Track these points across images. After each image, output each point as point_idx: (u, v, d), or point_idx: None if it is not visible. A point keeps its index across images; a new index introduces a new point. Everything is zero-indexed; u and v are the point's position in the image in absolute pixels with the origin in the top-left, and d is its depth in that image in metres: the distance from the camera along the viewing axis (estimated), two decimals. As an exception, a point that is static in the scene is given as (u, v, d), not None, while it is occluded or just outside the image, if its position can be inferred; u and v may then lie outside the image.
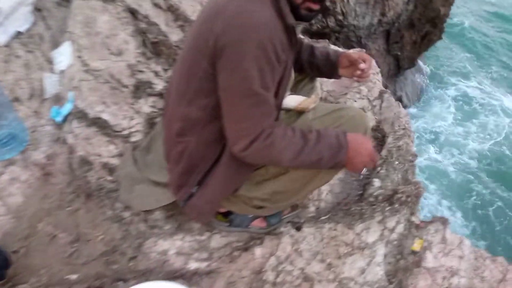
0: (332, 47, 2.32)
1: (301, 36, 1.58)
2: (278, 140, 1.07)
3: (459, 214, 5.76)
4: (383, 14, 6.46)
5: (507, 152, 6.59)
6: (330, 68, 1.47)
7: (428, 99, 8.14)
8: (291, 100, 1.32)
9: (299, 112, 1.33)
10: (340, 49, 1.49)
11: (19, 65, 1.98)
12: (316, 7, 1.08)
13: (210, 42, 1.02)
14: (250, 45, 0.97)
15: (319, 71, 1.49)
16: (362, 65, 1.41)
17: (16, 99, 1.85)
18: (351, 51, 2.34)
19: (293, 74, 1.31)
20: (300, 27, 1.18)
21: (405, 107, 7.87)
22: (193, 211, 1.35)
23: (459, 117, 7.61)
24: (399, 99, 7.68)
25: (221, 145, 1.20)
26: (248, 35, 0.98)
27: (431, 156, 6.68)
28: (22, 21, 2.10)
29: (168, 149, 1.34)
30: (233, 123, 1.09)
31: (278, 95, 1.14)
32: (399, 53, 7.45)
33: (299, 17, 1.09)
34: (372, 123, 1.93)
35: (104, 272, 1.34)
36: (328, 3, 5.16)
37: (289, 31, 1.09)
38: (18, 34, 2.06)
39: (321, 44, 1.49)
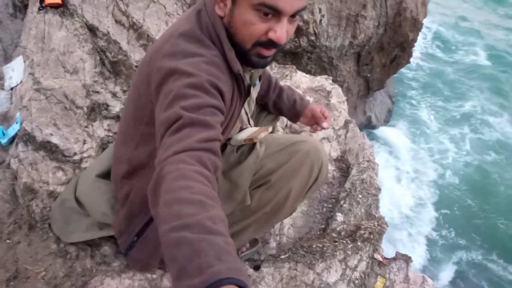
0: (299, 74, 2.29)
1: (268, 69, 1.51)
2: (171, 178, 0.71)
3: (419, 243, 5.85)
4: (354, 36, 6.59)
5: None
6: (292, 114, 1.43)
7: (396, 119, 8.37)
8: (242, 134, 1.23)
9: (250, 149, 1.24)
10: (306, 100, 1.45)
11: (-35, 80, 1.85)
12: (268, 53, 0.93)
13: (150, 86, 0.92)
14: (184, 76, 0.83)
15: (281, 113, 1.46)
16: (325, 125, 1.36)
17: (-42, 117, 1.71)
18: (318, 80, 2.32)
19: (249, 110, 1.24)
20: (251, 72, 1.07)
21: (374, 127, 8.04)
22: (135, 263, 1.26)
23: (422, 138, 7.88)
24: (369, 119, 7.82)
25: None
26: (182, 69, 0.84)
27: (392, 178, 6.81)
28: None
29: (115, 188, 1.25)
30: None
31: (224, 133, 1.04)
32: (369, 75, 7.61)
33: (249, 64, 0.96)
34: (336, 153, 1.90)
35: (41, 316, 1.22)
36: (300, 23, 5.20)
37: (237, 78, 0.97)
38: (-34, 46, 1.93)
39: (289, 89, 1.44)
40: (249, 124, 1.25)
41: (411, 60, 7.43)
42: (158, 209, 0.67)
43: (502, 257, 5.54)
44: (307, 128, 1.97)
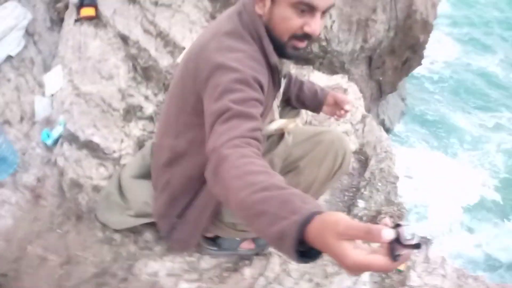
0: (316, 73, 2.41)
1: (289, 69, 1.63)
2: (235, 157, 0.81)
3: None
4: (365, 40, 6.67)
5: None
6: (315, 104, 1.50)
7: (408, 122, 8.39)
8: (273, 125, 1.35)
9: (279, 139, 1.36)
10: (326, 89, 1.56)
11: (10, 88, 2.01)
12: (302, 45, 1.05)
13: (196, 80, 1.04)
14: (230, 71, 0.95)
15: (304, 106, 1.54)
16: (347, 107, 1.45)
17: (7, 122, 1.87)
18: (334, 80, 2.44)
19: (276, 105, 1.36)
20: (286, 64, 1.19)
21: (387, 130, 8.07)
22: (176, 243, 1.38)
23: (435, 142, 7.87)
24: (382, 122, 7.86)
25: (201, 180, 1.21)
26: (229, 65, 0.96)
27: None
28: (13, 45, 2.13)
29: (155, 177, 1.38)
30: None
31: None
32: (381, 78, 7.68)
33: (285, 55, 1.09)
34: (355, 146, 2.01)
35: (94, 294, 1.35)
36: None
37: (273, 70, 1.09)
38: (9, 57, 2.09)
39: (309, 82, 1.55)
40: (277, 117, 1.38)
41: (423, 62, 7.47)
42: (223, 184, 0.78)
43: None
44: (326, 123, 2.09)
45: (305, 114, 2.06)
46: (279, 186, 0.71)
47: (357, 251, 0.56)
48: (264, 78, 1.02)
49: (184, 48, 2.24)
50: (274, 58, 1.06)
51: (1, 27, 2.10)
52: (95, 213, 1.55)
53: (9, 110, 1.90)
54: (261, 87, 0.99)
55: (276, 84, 1.14)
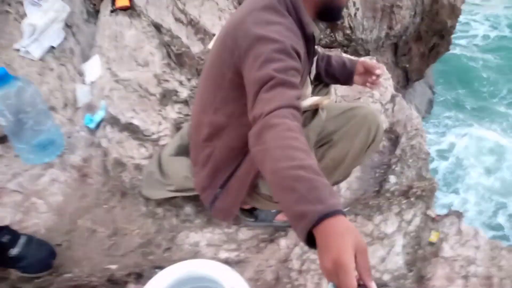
0: (344, 55, 2.44)
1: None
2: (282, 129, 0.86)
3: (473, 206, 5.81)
4: (390, 27, 6.60)
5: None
6: (346, 76, 1.54)
7: (437, 110, 8.21)
8: (307, 101, 1.41)
9: (313, 114, 1.41)
10: (354, 57, 1.59)
11: (53, 77, 2.13)
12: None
13: (235, 53, 1.08)
14: (271, 42, 1.00)
15: (335, 79, 1.57)
16: (378, 71, 1.48)
17: (52, 108, 1.98)
18: (363, 58, 2.46)
19: (309, 79, 1.42)
20: (318, 35, 1.26)
21: (415, 118, 7.95)
22: (219, 212, 1.45)
23: (470, 129, 7.65)
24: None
25: (244, 151, 1.29)
26: (269, 36, 1.01)
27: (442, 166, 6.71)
28: (54, 37, 2.26)
29: (195, 153, 1.45)
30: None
31: None
32: (407, 66, 7.58)
33: (338, 18, 1.22)
34: (385, 125, 2.03)
35: (141, 262, 1.44)
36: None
37: (309, 41, 1.15)
38: (51, 48, 2.21)
39: (334, 53, 1.59)
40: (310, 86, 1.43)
41: (451, 48, 7.30)
42: (265, 147, 0.84)
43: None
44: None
45: (335, 94, 2.10)
46: (315, 170, 0.78)
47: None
48: (301, 49, 1.07)
49: (213, 35, 2.32)
50: (311, 27, 1.13)
51: (44, 20, 2.22)
52: (139, 190, 1.65)
53: (53, 97, 2.02)
54: (299, 57, 1.04)
55: (311, 56, 1.19)
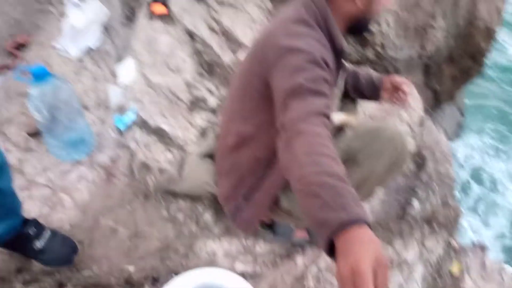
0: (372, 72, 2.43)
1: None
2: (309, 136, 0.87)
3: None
4: (422, 47, 6.51)
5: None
6: (373, 91, 1.53)
7: (467, 134, 8.00)
8: (333, 117, 1.40)
9: (338, 130, 1.42)
10: (382, 75, 1.58)
11: (88, 77, 2.19)
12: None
13: (264, 64, 1.10)
14: (300, 53, 1.02)
15: (362, 95, 1.57)
16: (406, 88, 1.47)
17: (85, 107, 2.04)
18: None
19: (337, 93, 1.42)
20: (347, 49, 1.26)
21: (442, 141, 7.78)
22: (240, 223, 1.46)
23: (501, 154, 7.41)
24: (436, 132, 7.56)
25: (270, 162, 1.30)
26: (298, 47, 1.03)
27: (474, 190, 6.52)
28: (92, 38, 2.33)
29: (220, 162, 1.47)
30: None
31: None
32: (437, 87, 7.45)
33: (359, 30, 1.23)
34: (412, 147, 2.00)
35: (158, 266, 1.46)
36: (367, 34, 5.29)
37: (338, 54, 1.17)
38: (88, 49, 2.29)
39: (362, 69, 1.59)
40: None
41: (483, 70, 7.14)
42: (293, 154, 0.85)
43: None
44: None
45: (362, 114, 2.09)
46: (340, 178, 0.77)
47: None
48: (331, 62, 1.09)
49: (245, 45, 2.35)
50: (341, 40, 1.15)
51: (83, 21, 2.30)
52: (161, 194, 1.68)
53: (86, 96, 2.08)
54: (329, 69, 1.06)
55: (339, 69, 1.21)
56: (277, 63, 1.05)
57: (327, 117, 0.94)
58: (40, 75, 1.64)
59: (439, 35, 6.55)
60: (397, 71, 6.62)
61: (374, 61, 6.48)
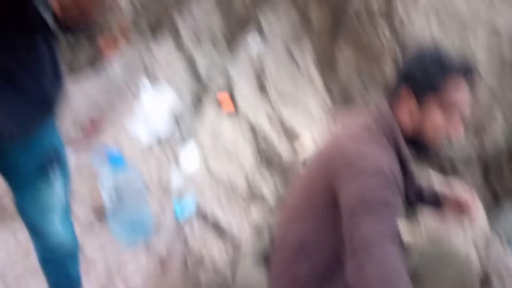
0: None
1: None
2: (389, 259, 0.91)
3: None
4: (481, 146, 6.31)
5: None
6: (436, 209, 1.50)
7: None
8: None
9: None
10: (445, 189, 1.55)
11: (153, 161, 2.32)
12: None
13: (331, 179, 1.10)
14: (370, 165, 1.03)
15: (425, 207, 1.53)
16: (474, 213, 1.42)
17: (147, 190, 2.14)
18: (456, 188, 2.36)
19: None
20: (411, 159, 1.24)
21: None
22: None
23: None
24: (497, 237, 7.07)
25: (329, 277, 1.22)
26: (367, 159, 1.04)
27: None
28: (163, 126, 2.49)
29: (276, 272, 1.41)
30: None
31: None
32: (497, 187, 7.05)
33: (424, 156, 1.20)
34: (477, 270, 1.87)
35: None
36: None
37: (405, 172, 1.14)
38: (158, 138, 2.44)
39: (424, 183, 1.56)
40: None
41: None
42: (365, 279, 0.87)
43: None
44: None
45: (423, 225, 2.01)
46: None
47: None
48: (401, 181, 1.08)
49: (302, 138, 2.38)
50: (410, 163, 1.15)
51: (155, 107, 2.50)
52: None
53: (150, 181, 2.18)
54: (400, 191, 1.05)
55: (407, 178, 1.19)
56: (346, 180, 1.06)
57: (399, 238, 0.95)
58: (117, 162, 1.76)
59: (499, 134, 6.35)
60: (454, 170, 6.40)
61: (430, 160, 6.33)
